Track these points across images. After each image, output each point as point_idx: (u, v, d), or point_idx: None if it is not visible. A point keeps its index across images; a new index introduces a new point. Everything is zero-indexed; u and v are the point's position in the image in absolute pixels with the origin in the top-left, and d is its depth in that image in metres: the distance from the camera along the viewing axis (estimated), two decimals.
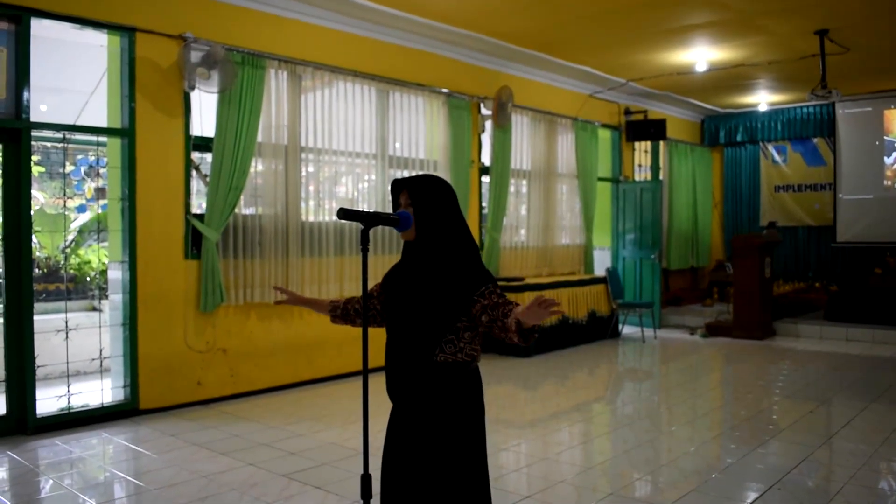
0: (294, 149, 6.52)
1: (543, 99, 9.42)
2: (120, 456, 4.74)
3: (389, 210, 7.25)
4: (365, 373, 2.40)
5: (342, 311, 2.68)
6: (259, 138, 6.23)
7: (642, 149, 11.85)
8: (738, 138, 13.08)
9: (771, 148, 12.96)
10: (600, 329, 9.72)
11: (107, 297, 6.29)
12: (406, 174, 7.90)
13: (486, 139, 8.67)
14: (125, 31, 5.51)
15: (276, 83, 6.40)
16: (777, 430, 5.33)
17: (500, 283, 8.29)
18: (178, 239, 5.85)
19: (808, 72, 9.22)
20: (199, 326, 5.97)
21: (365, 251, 2.39)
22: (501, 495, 4.02)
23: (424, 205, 2.35)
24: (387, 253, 7.36)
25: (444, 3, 7.04)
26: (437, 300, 2.30)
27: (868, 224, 11.48)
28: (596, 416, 6.08)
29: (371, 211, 2.24)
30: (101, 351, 5.68)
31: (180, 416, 5.62)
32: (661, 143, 11.84)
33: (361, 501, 2.42)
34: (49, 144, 7.70)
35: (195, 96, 5.96)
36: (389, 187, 2.46)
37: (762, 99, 12.13)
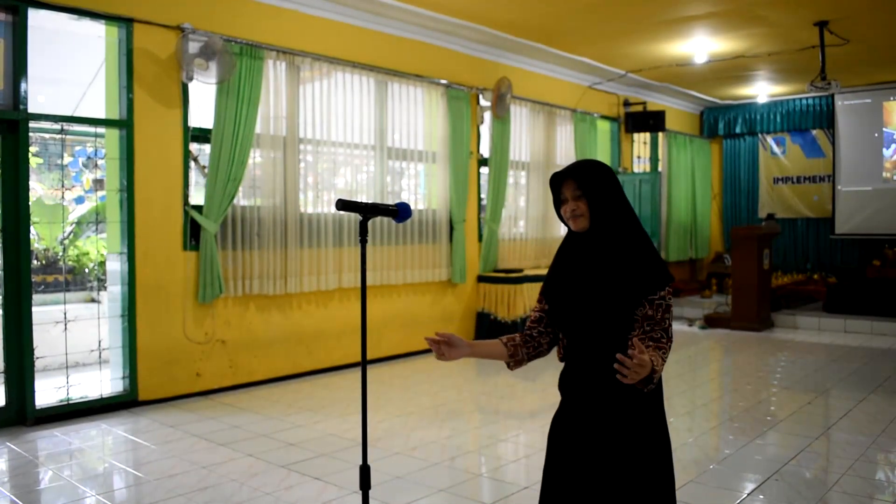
0: (293, 140, 6.51)
1: (542, 90, 9.40)
2: (119, 447, 4.75)
3: (388, 201, 7.28)
4: (364, 364, 2.40)
5: (526, 348, 2.30)
6: (257, 129, 6.22)
7: (641, 140, 11.84)
8: (738, 130, 13.05)
9: (770, 139, 12.93)
10: None
11: (105, 288, 6.29)
12: (405, 165, 7.89)
13: (485, 130, 8.65)
14: (123, 22, 5.49)
15: (275, 74, 6.38)
16: (775, 421, 5.35)
17: (498, 275, 8.42)
18: (176, 230, 5.85)
19: (808, 63, 9.20)
20: (198, 318, 5.97)
21: (363, 242, 2.39)
22: (500, 486, 4.05)
23: (599, 193, 2.13)
24: (385, 244, 7.36)
25: None
26: (618, 296, 2.08)
27: (867, 216, 11.47)
28: None
29: (369, 202, 2.16)
30: (99, 342, 5.68)
31: (179, 408, 5.63)
32: (660, 134, 11.82)
33: (360, 492, 2.42)
34: (47, 136, 7.67)
35: (193, 87, 5.94)
36: (549, 182, 2.22)
37: (761, 90, 12.10)
